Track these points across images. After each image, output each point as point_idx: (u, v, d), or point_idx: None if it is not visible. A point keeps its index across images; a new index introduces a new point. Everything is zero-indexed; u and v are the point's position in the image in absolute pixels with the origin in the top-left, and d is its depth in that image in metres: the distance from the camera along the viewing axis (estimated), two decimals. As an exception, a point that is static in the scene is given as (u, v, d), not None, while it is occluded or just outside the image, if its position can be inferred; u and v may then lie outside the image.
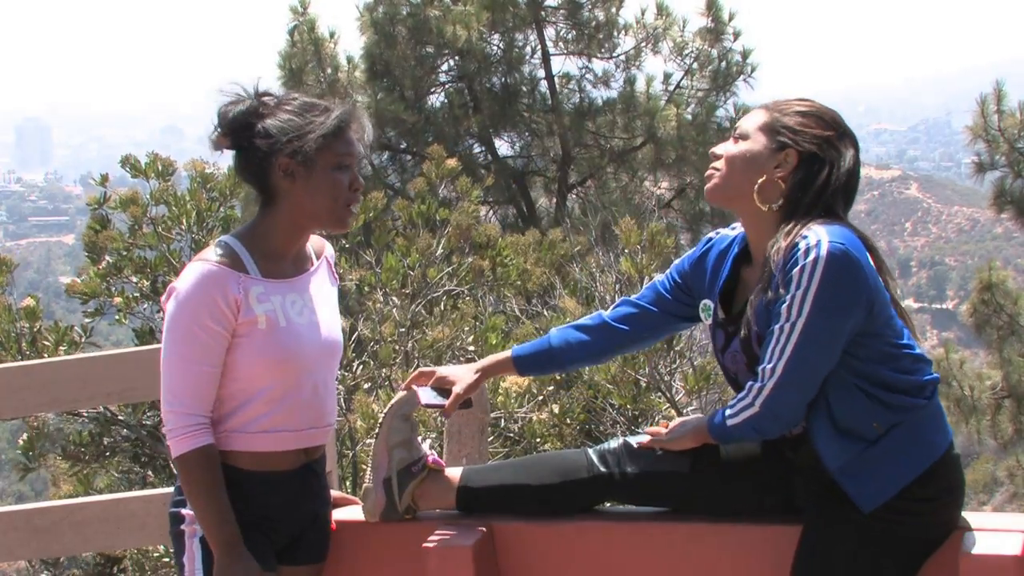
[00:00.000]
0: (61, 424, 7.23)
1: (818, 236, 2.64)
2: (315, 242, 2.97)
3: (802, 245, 2.64)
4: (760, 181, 2.77)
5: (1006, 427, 9.31)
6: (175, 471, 2.76)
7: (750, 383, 2.70)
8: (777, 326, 2.65)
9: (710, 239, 3.02)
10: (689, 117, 14.10)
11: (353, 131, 2.79)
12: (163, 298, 2.77)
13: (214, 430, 2.75)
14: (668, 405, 6.65)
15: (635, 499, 3.04)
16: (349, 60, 14.13)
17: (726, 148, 2.84)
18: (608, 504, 3.12)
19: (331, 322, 2.91)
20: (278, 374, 2.75)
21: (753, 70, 14.40)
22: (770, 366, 2.66)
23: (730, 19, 14.30)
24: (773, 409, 2.67)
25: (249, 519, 2.79)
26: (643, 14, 14.45)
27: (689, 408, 6.56)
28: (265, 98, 2.78)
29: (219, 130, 2.77)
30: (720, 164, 2.83)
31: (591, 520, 3.04)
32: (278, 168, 2.73)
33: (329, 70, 14.01)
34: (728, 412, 2.75)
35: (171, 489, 2.99)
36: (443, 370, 3.14)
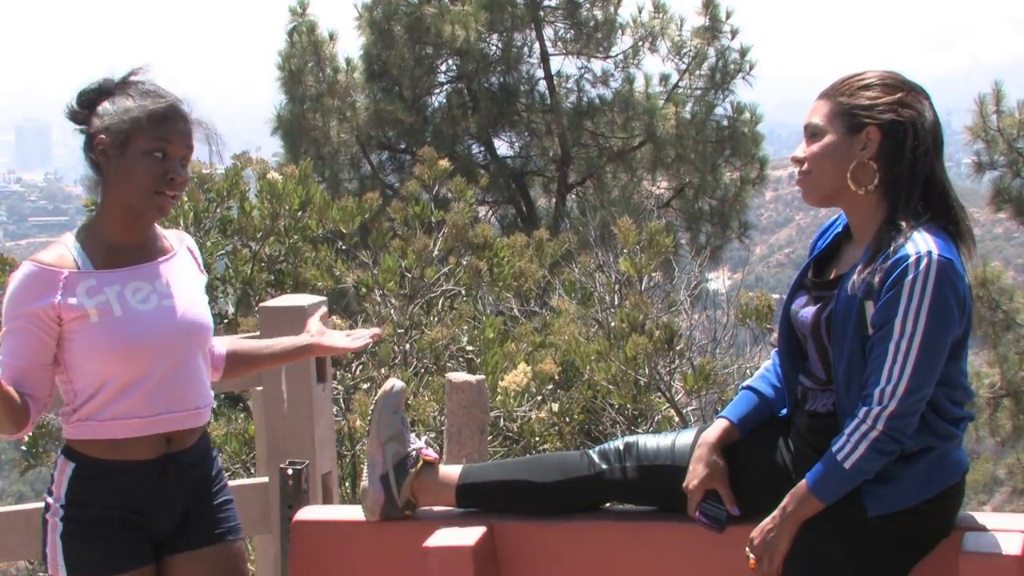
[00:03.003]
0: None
1: (928, 245, 2.58)
2: (173, 233, 2.98)
3: (911, 252, 2.58)
4: (851, 168, 2.70)
5: (1005, 424, 9.31)
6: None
7: (864, 408, 2.60)
8: (891, 343, 2.58)
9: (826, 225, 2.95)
10: (688, 116, 14.10)
11: (180, 125, 2.76)
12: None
13: (67, 420, 2.76)
14: (668, 405, 6.66)
15: (635, 498, 3.04)
16: (348, 61, 14.14)
17: (806, 150, 2.76)
18: (608, 504, 3.12)
19: (190, 305, 2.85)
20: (120, 362, 2.72)
21: (751, 68, 14.41)
22: (889, 387, 2.58)
23: (727, 17, 14.30)
24: (897, 428, 2.59)
25: (118, 515, 2.76)
26: (640, 12, 14.46)
27: (688, 408, 6.56)
28: (123, 81, 2.80)
29: (72, 105, 2.81)
30: (806, 167, 2.76)
31: (591, 520, 3.05)
32: (96, 146, 2.76)
33: (329, 71, 14.01)
34: (840, 455, 2.62)
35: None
36: (694, 480, 2.88)
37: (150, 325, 2.75)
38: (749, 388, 2.98)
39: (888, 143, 2.68)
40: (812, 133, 2.75)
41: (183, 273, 2.88)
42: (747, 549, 2.74)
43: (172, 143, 2.74)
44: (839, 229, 2.88)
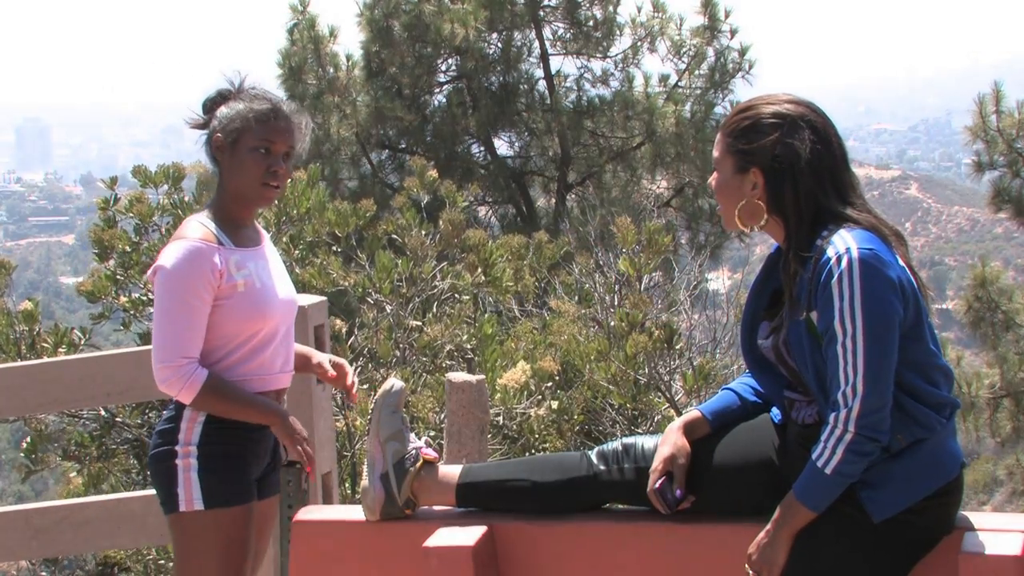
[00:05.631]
0: (63, 425, 7.22)
1: (846, 243, 2.64)
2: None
3: (831, 254, 2.64)
4: (740, 206, 2.80)
5: (1005, 425, 9.31)
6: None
7: (833, 414, 2.63)
8: (838, 345, 2.62)
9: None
10: (688, 115, 14.10)
11: (282, 124, 3.16)
12: (149, 273, 3.12)
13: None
14: (667, 405, 6.66)
15: (635, 499, 3.04)
16: (348, 58, 14.14)
17: (714, 181, 2.88)
18: (608, 504, 3.12)
19: (289, 282, 3.34)
20: (258, 326, 3.13)
21: (751, 67, 14.41)
22: (848, 388, 2.61)
23: (726, 16, 14.31)
24: (868, 426, 2.61)
25: (242, 455, 3.16)
26: (639, 12, 14.47)
27: (688, 408, 6.56)
28: (238, 89, 3.21)
29: (197, 113, 3.24)
30: (715, 196, 2.88)
31: (591, 520, 3.05)
32: (214, 144, 3.17)
33: (329, 68, 14.02)
34: (820, 461, 2.64)
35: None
36: (657, 458, 2.95)
37: (274, 296, 3.19)
38: (729, 388, 3.06)
39: (770, 184, 2.76)
40: (714, 166, 2.87)
41: (276, 255, 3.32)
42: (746, 566, 2.75)
43: (274, 141, 3.15)
44: (772, 252, 2.94)
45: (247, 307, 3.11)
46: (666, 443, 2.94)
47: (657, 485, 2.90)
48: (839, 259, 2.62)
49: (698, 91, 14.37)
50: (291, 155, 3.20)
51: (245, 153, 3.13)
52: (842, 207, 2.73)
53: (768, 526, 2.73)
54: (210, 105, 3.22)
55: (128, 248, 7.20)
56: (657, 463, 2.92)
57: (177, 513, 3.10)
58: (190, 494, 3.08)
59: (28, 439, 6.97)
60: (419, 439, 3.18)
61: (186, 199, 7.43)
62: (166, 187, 7.46)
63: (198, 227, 3.12)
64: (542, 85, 14.76)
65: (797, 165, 2.73)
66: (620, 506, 3.12)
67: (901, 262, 2.70)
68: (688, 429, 2.97)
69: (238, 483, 3.14)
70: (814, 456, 2.66)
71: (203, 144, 3.22)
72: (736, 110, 2.85)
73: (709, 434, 2.97)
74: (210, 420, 3.10)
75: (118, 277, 7.16)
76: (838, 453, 2.63)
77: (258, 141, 3.13)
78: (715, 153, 2.86)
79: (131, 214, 7.33)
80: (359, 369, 6.94)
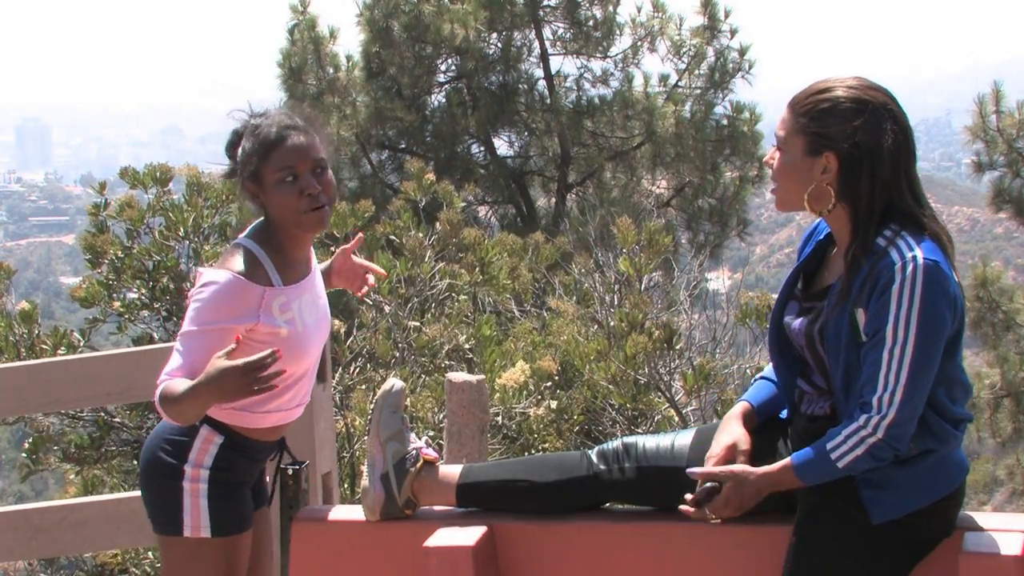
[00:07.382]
0: (63, 427, 7.23)
1: (912, 250, 2.59)
2: None
3: (896, 259, 2.59)
4: (810, 190, 2.70)
5: (1005, 425, 9.30)
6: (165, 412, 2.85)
7: (864, 415, 2.61)
8: (884, 350, 2.59)
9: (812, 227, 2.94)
10: (687, 115, 14.10)
11: (295, 142, 2.91)
12: (193, 289, 2.91)
13: (220, 406, 2.90)
14: (667, 405, 6.65)
15: (634, 498, 3.04)
16: (348, 59, 14.15)
17: (774, 160, 2.76)
18: (608, 504, 3.12)
19: (326, 307, 3.15)
20: (292, 370, 2.95)
21: (751, 67, 14.40)
22: (887, 395, 2.59)
23: (726, 16, 14.30)
24: (896, 436, 2.60)
25: (249, 481, 3.08)
26: (639, 12, 14.47)
27: (688, 408, 6.56)
28: (250, 121, 2.98)
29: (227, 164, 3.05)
30: (774, 177, 2.77)
31: (591, 520, 3.05)
32: (246, 192, 2.99)
33: (330, 69, 14.02)
34: (834, 453, 2.63)
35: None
36: (720, 445, 2.87)
37: (315, 335, 3.04)
38: (765, 378, 3.00)
39: (845, 171, 2.67)
40: (779, 144, 2.75)
41: (319, 279, 3.15)
42: (691, 498, 2.77)
43: (295, 164, 2.91)
44: (821, 237, 2.88)
45: (285, 353, 2.86)
46: (725, 431, 2.87)
47: (704, 488, 2.82)
48: (903, 266, 2.57)
49: (698, 91, 14.36)
50: (323, 165, 2.95)
51: (273, 188, 2.91)
52: (914, 206, 2.68)
53: (757, 469, 2.73)
54: (231, 149, 3.02)
55: (120, 253, 7.19)
56: (717, 449, 2.85)
57: (180, 538, 2.99)
58: (197, 520, 2.96)
59: (30, 440, 6.98)
60: (419, 439, 3.18)
61: (175, 199, 7.42)
62: (156, 189, 7.45)
63: (246, 257, 2.91)
64: (542, 85, 14.75)
65: (878, 155, 2.65)
66: (620, 506, 3.12)
67: (956, 276, 2.67)
68: (743, 418, 2.91)
69: (244, 509, 3.05)
70: (829, 445, 2.64)
71: (242, 194, 3.05)
72: (811, 90, 2.73)
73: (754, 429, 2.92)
74: (226, 444, 2.99)
75: (110, 282, 7.15)
76: (858, 451, 2.62)
77: (279, 171, 2.90)
78: (780, 131, 2.74)
79: (122, 218, 7.33)
80: (358, 370, 6.94)
